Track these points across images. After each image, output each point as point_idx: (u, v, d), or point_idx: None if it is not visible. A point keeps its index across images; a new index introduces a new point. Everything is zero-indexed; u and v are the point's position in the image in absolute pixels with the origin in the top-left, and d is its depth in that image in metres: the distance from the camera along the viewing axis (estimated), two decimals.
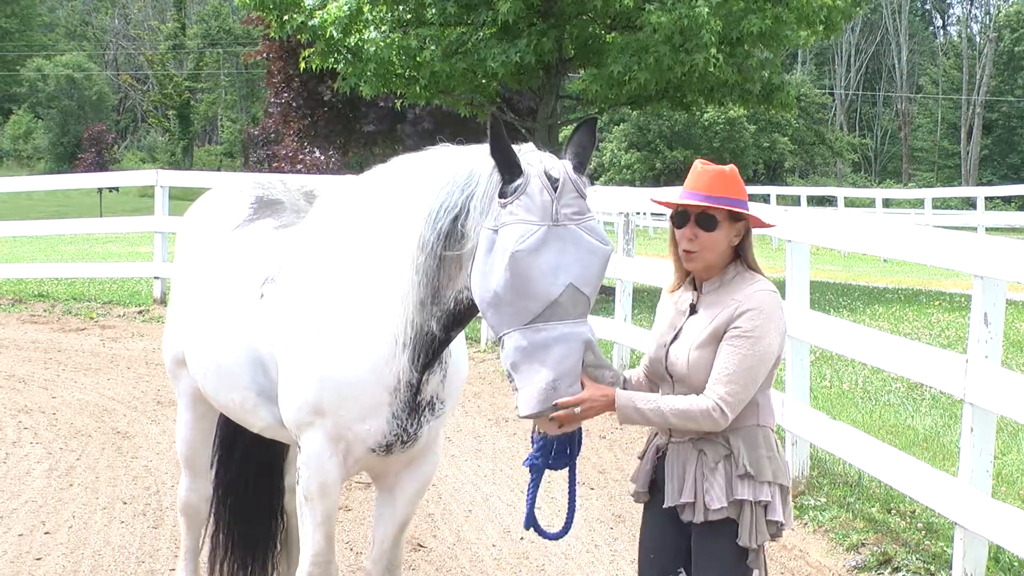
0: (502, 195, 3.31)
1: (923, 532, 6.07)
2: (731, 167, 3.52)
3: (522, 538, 6.25)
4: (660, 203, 3.63)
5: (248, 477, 5.10)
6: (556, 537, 3.72)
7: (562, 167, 3.34)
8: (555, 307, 3.21)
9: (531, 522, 3.63)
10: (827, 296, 15.30)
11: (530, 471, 3.55)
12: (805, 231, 6.78)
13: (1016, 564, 5.47)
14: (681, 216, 3.47)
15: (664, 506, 3.51)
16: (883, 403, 9.05)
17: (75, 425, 8.67)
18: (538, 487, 3.61)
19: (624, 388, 3.48)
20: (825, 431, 6.45)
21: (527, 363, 3.22)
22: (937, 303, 14.80)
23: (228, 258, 4.33)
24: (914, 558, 5.76)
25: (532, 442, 3.59)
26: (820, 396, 8.85)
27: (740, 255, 3.51)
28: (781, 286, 7.19)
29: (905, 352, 5.72)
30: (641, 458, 3.68)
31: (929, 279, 19.49)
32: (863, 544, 6.04)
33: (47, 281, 16.42)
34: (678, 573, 3.60)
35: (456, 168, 3.47)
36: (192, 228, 4.73)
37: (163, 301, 14.53)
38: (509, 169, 3.31)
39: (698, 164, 3.54)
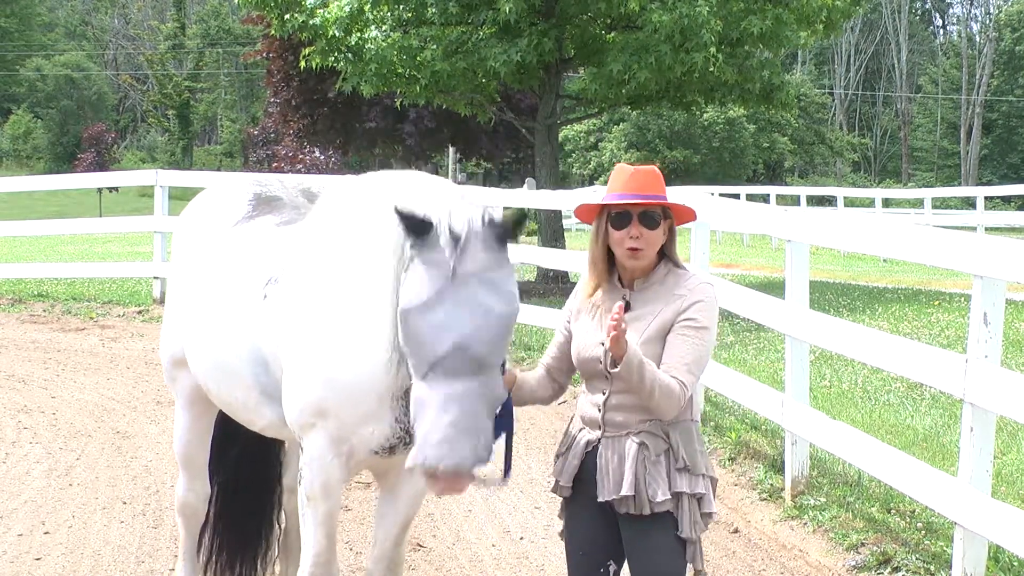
0: (413, 245, 3.31)
1: (923, 532, 6.06)
2: (655, 166, 3.62)
3: (522, 538, 6.25)
4: (608, 205, 3.54)
5: (241, 479, 5.10)
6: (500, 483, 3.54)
7: (467, 220, 3.28)
8: (441, 364, 3.18)
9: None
10: (827, 296, 15.29)
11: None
12: (805, 231, 6.77)
13: (1016, 564, 5.47)
14: (622, 217, 3.50)
15: (599, 500, 3.51)
16: (883, 403, 9.05)
17: (75, 425, 8.67)
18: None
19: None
20: (825, 431, 6.45)
21: (417, 416, 3.23)
22: (937, 303, 14.80)
23: (229, 256, 4.31)
24: (914, 558, 5.76)
25: None
26: (820, 396, 8.85)
27: (665, 253, 3.58)
28: (781, 286, 7.20)
29: (905, 352, 5.72)
30: (561, 455, 3.67)
31: (929, 279, 19.48)
32: (863, 544, 6.04)
33: (47, 281, 16.42)
34: (608, 566, 3.62)
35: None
36: (190, 227, 4.71)
37: (163, 301, 14.51)
38: (414, 229, 3.28)
39: (626, 166, 3.58)
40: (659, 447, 3.48)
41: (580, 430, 3.61)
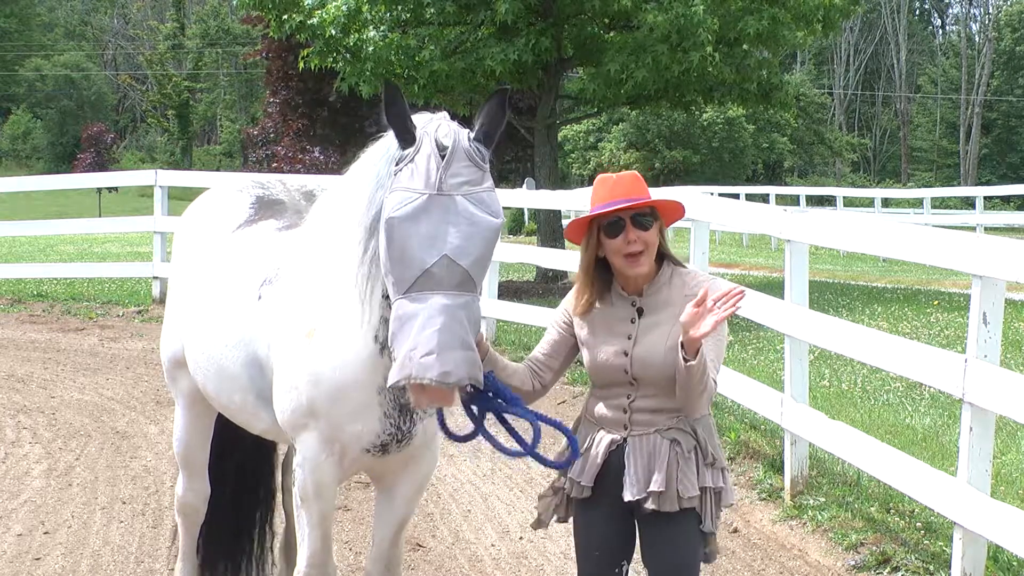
0: (397, 162, 3.29)
1: (922, 531, 6.07)
2: (635, 172, 3.63)
3: (521, 538, 6.25)
4: (598, 217, 3.51)
5: (240, 480, 5.09)
6: (563, 465, 3.59)
7: (455, 135, 3.27)
8: (428, 277, 3.13)
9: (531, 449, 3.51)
10: (826, 296, 15.30)
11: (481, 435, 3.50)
12: (804, 231, 6.78)
13: (1015, 564, 5.47)
14: (615, 225, 3.49)
15: (626, 499, 3.50)
16: (882, 403, 9.05)
17: (74, 425, 8.67)
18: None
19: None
20: (824, 431, 6.45)
21: (399, 333, 3.16)
22: (936, 303, 14.80)
23: (230, 260, 4.31)
24: (913, 557, 5.76)
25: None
26: (819, 396, 8.85)
27: (663, 254, 3.58)
28: (780, 286, 7.20)
29: (904, 352, 5.72)
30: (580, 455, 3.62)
31: (928, 279, 19.48)
32: (862, 543, 6.04)
33: (46, 281, 16.41)
34: (622, 566, 3.61)
35: (384, 146, 3.45)
36: (191, 228, 4.71)
37: (162, 301, 14.51)
38: (403, 135, 3.29)
39: (606, 176, 3.58)
40: (689, 444, 3.49)
41: (598, 430, 3.59)
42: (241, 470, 5.11)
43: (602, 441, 3.57)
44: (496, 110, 3.35)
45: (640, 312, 3.54)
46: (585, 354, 3.62)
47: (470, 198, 3.20)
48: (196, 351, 4.36)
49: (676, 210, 3.60)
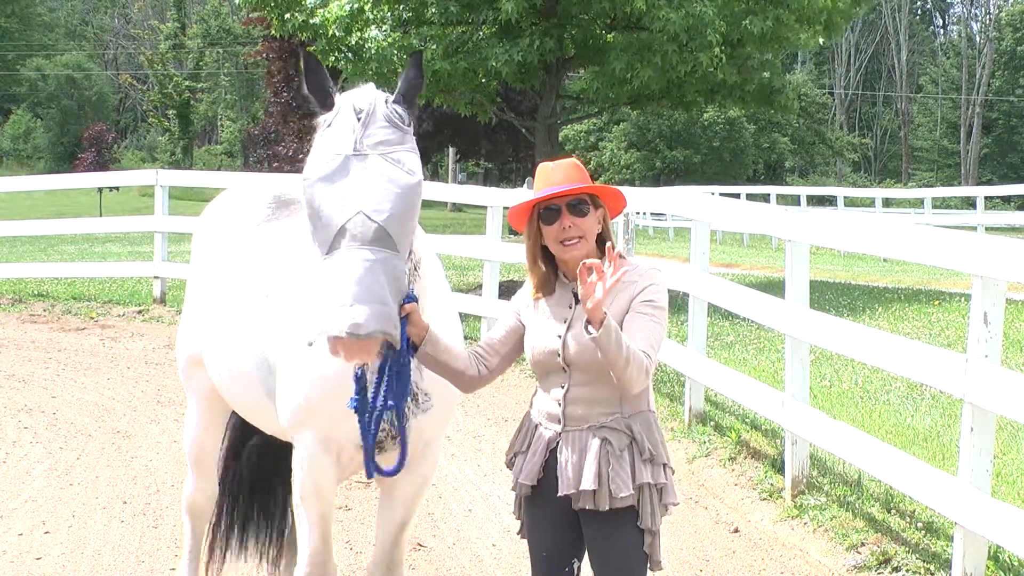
0: (320, 125, 3.35)
1: (923, 532, 6.06)
2: (574, 159, 3.64)
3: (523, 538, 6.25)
4: (539, 200, 3.53)
5: (254, 481, 5.08)
6: (392, 473, 3.57)
7: (372, 98, 3.32)
8: (342, 234, 3.14)
9: (371, 470, 3.51)
10: (827, 296, 15.29)
11: (355, 413, 3.44)
12: (805, 231, 6.78)
13: (1016, 564, 5.47)
14: (551, 211, 3.50)
15: (559, 494, 3.50)
16: (883, 403, 9.04)
17: (75, 425, 8.67)
18: (370, 430, 3.45)
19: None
20: (825, 431, 6.45)
21: (321, 291, 3.15)
22: (937, 303, 14.79)
23: (246, 259, 4.32)
24: (914, 557, 5.76)
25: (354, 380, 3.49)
26: (820, 396, 8.85)
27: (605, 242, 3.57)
28: (781, 286, 7.20)
29: (905, 352, 5.72)
30: (520, 453, 3.64)
31: (929, 279, 19.47)
32: (863, 543, 6.04)
33: (47, 281, 16.42)
34: (572, 564, 3.61)
35: None
36: (210, 228, 4.72)
37: (163, 301, 14.54)
38: (322, 103, 3.35)
39: (547, 164, 3.59)
40: (622, 442, 3.48)
41: (537, 427, 3.61)
42: (257, 470, 5.09)
43: (541, 439, 3.58)
44: (414, 74, 3.40)
45: (576, 298, 3.52)
46: (526, 341, 3.62)
47: (387, 157, 3.22)
48: (212, 350, 4.36)
49: (618, 198, 3.61)
